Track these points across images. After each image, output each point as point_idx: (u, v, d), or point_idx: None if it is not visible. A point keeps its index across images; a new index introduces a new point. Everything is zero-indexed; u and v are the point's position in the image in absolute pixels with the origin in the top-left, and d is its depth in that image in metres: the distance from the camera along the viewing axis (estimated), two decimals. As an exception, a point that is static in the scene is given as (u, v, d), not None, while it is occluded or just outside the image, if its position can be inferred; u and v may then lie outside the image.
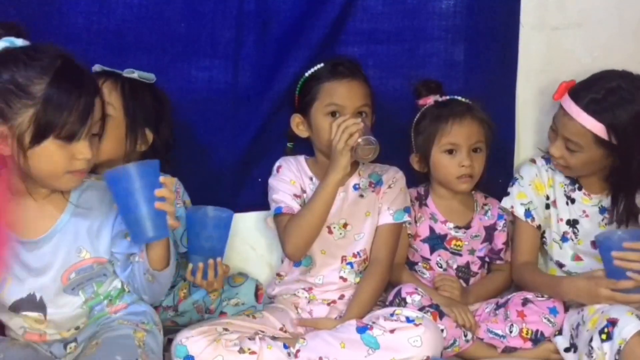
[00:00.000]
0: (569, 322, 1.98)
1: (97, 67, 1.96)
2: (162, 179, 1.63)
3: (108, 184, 1.63)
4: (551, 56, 2.30)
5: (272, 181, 2.12)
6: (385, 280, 2.10)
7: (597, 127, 1.97)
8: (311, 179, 2.12)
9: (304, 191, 2.10)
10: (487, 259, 2.22)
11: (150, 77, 1.99)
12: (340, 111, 2.02)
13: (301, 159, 2.16)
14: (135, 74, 1.97)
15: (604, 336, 1.79)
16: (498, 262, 2.23)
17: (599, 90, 1.99)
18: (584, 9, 2.29)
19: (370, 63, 2.24)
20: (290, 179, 2.10)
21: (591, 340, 1.82)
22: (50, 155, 1.60)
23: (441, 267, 2.18)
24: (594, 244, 2.10)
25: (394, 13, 2.23)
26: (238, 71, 2.19)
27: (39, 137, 1.58)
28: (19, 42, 1.66)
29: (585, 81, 2.05)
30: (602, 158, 2.03)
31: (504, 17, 2.28)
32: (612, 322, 1.80)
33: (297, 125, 2.12)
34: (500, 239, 2.22)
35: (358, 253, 2.10)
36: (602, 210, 2.14)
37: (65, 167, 1.62)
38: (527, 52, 2.29)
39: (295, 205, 2.06)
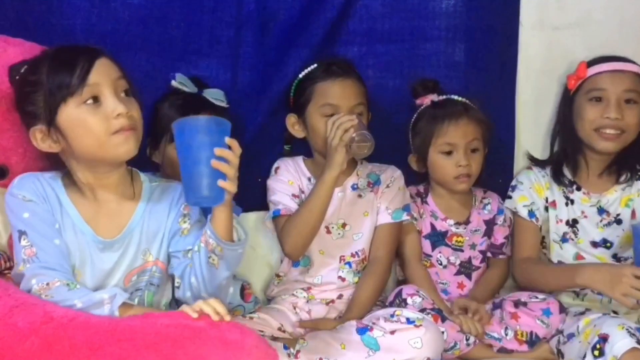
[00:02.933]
0: (564, 327, 1.97)
1: None
2: (228, 140, 1.53)
3: (174, 132, 1.53)
4: (551, 56, 2.29)
5: (270, 182, 2.12)
6: (385, 279, 2.10)
7: None
8: (309, 179, 2.11)
9: (302, 192, 2.09)
10: (488, 254, 2.22)
11: None
12: (335, 111, 2.01)
13: (299, 159, 2.16)
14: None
15: (596, 352, 1.78)
16: (500, 256, 2.22)
17: None
18: (584, 9, 2.29)
19: (369, 63, 2.24)
20: (288, 180, 2.10)
21: (584, 356, 1.80)
22: (83, 123, 1.58)
23: (441, 264, 2.18)
24: (593, 244, 2.12)
25: (394, 13, 2.23)
26: (237, 71, 2.18)
27: (55, 104, 1.58)
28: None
29: None
30: None
31: (504, 17, 2.28)
32: (604, 338, 1.78)
33: (293, 125, 2.12)
34: (500, 234, 2.22)
35: (357, 253, 2.10)
36: (601, 211, 2.14)
37: (105, 130, 1.58)
38: (527, 52, 2.29)
39: (294, 206, 2.05)
